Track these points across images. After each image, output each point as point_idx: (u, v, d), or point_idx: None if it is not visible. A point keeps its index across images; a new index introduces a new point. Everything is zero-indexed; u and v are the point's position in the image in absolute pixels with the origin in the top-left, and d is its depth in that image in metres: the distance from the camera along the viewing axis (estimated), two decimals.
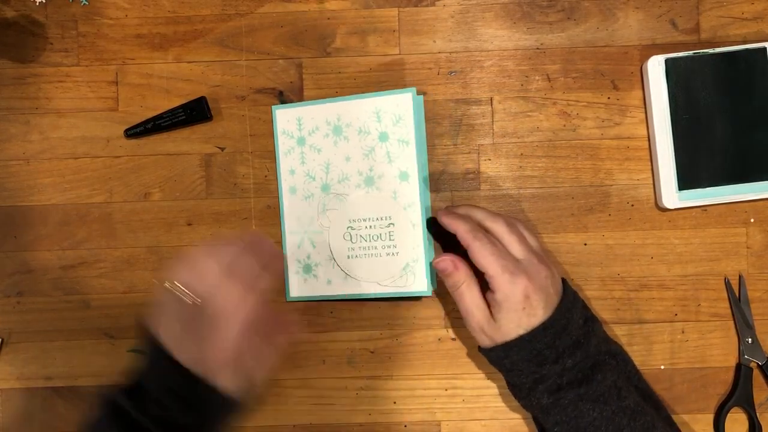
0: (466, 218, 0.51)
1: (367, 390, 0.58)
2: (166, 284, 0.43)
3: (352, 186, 0.57)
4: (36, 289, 0.58)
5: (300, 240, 0.58)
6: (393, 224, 0.55)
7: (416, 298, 0.58)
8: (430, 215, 0.56)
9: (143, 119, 0.58)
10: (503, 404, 0.57)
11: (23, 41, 0.59)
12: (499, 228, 0.50)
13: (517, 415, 0.57)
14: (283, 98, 0.58)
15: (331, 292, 0.57)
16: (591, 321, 0.51)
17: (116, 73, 0.59)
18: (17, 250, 0.59)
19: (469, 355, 0.58)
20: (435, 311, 0.58)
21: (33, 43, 0.59)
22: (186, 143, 0.59)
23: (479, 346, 0.51)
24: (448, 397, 0.58)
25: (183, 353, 0.42)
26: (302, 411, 0.58)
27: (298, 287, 0.58)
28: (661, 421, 0.50)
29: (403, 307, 0.58)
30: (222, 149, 0.59)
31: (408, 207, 0.55)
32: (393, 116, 0.55)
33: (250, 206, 0.59)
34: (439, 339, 0.58)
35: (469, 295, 0.50)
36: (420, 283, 0.55)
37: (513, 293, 0.47)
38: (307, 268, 0.58)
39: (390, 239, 0.56)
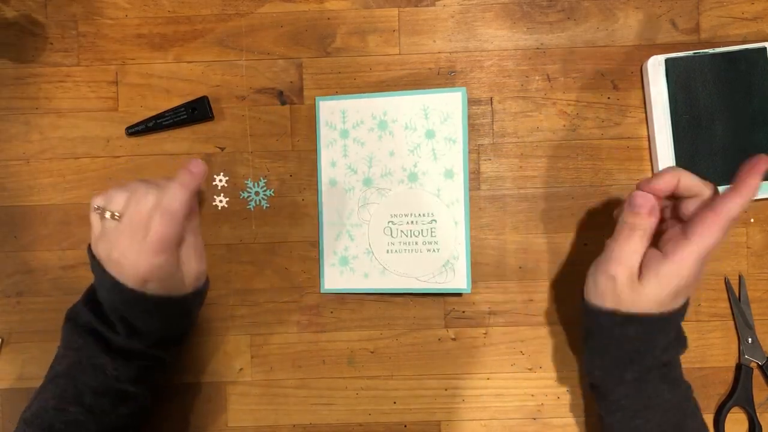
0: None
1: (367, 390, 0.58)
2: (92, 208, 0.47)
3: (395, 181, 0.57)
4: (36, 289, 0.58)
5: (338, 232, 0.57)
6: (435, 221, 0.56)
7: (454, 295, 0.58)
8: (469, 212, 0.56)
9: (143, 119, 0.58)
10: (503, 404, 0.57)
11: (23, 41, 0.59)
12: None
13: (517, 415, 0.57)
14: (283, 98, 0.58)
15: (368, 285, 0.57)
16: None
17: (116, 73, 0.59)
18: (17, 250, 0.59)
19: (469, 355, 0.58)
20: (435, 311, 0.58)
21: (33, 43, 0.59)
22: (186, 143, 0.59)
23: (586, 301, 0.48)
24: (448, 397, 0.58)
25: (114, 269, 0.45)
26: (302, 411, 0.58)
27: (333, 279, 0.58)
28: None
29: (403, 307, 0.58)
30: (222, 149, 0.59)
31: (451, 205, 0.55)
32: (441, 114, 0.56)
33: (250, 206, 0.58)
34: (439, 339, 0.58)
35: (638, 244, 0.45)
36: (459, 281, 0.55)
37: (685, 274, 0.43)
38: (344, 261, 0.57)
39: (432, 235, 0.56)
